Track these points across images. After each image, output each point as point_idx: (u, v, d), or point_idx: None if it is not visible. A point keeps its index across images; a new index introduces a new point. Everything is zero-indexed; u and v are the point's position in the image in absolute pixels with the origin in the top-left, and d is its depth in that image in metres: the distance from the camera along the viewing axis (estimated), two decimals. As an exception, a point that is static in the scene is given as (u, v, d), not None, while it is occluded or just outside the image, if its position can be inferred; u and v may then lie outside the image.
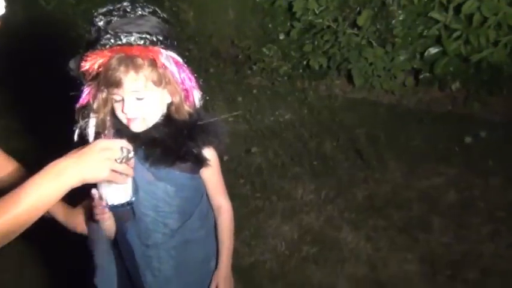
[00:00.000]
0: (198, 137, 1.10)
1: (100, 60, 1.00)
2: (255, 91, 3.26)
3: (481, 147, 2.54)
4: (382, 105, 3.03)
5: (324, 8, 2.99)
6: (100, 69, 1.01)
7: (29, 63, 3.26)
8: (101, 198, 1.02)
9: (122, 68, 1.00)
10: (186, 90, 1.09)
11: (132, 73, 1.01)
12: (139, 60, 1.01)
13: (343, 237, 2.16)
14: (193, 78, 1.10)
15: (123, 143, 0.94)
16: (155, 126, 1.08)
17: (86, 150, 0.89)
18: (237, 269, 1.36)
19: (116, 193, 1.00)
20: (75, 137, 1.07)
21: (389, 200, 2.33)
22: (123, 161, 0.92)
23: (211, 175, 1.18)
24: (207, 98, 1.17)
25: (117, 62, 1.00)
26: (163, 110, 1.09)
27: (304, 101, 3.11)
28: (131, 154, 0.94)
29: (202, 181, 1.18)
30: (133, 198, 1.02)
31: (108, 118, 1.08)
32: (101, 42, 0.98)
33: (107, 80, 1.02)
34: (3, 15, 0.79)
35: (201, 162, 1.13)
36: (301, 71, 3.29)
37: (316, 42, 3.10)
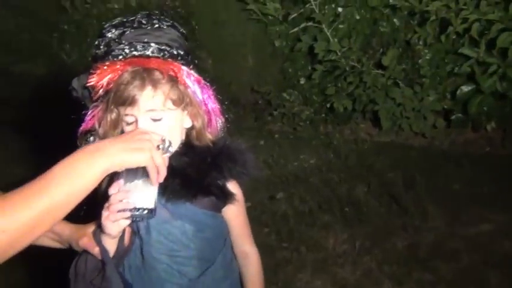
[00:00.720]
0: (224, 166, 0.94)
1: (110, 75, 0.85)
2: (276, 136, 3.12)
3: (531, 189, 2.29)
4: (413, 147, 2.85)
5: (347, 49, 2.90)
6: (110, 85, 0.86)
7: (50, 113, 3.22)
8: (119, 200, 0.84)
9: (137, 83, 0.85)
10: (208, 113, 0.94)
11: (149, 89, 0.86)
12: (158, 74, 0.87)
13: (385, 294, 1.89)
14: (216, 101, 0.96)
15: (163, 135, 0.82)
16: (173, 155, 0.91)
17: (124, 134, 0.79)
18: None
19: (141, 195, 0.82)
20: None
21: (434, 251, 2.07)
22: (163, 151, 0.79)
23: (237, 214, 1.01)
24: (229, 125, 1.00)
25: (131, 75, 0.86)
26: (182, 135, 0.94)
27: (329, 145, 2.95)
28: (171, 148, 0.82)
29: (225, 222, 1.00)
30: (155, 211, 0.83)
31: None
32: (113, 53, 0.84)
33: (118, 97, 0.86)
34: None
35: (226, 196, 0.96)
36: (323, 115, 3.17)
37: (339, 84, 2.98)
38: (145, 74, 0.86)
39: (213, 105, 0.94)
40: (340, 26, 2.91)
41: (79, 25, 3.77)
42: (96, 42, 0.89)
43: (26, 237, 0.66)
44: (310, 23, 2.94)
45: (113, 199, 0.83)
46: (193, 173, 0.92)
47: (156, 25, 0.88)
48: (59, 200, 0.68)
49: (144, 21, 0.88)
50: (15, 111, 3.47)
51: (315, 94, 3.17)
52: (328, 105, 3.07)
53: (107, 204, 0.84)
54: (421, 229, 2.19)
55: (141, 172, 0.83)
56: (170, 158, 0.87)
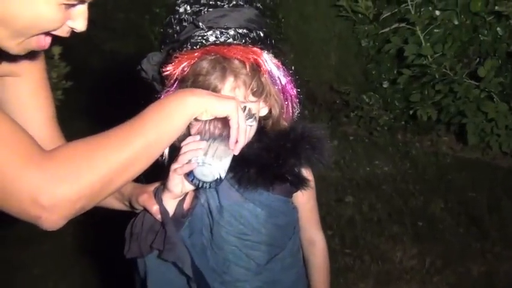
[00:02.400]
0: (303, 153, 0.91)
1: (186, 62, 0.83)
2: (351, 138, 3.05)
3: None
4: (500, 168, 2.65)
5: (440, 55, 2.74)
6: (185, 72, 0.84)
7: (134, 92, 3.41)
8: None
9: (218, 73, 0.83)
10: (286, 99, 0.91)
11: (230, 80, 0.84)
12: (238, 63, 0.84)
13: (452, 319, 1.78)
14: (295, 86, 0.92)
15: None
16: (248, 143, 0.89)
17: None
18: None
19: (216, 155, 0.80)
20: None
21: (513, 282, 1.91)
22: (246, 117, 0.79)
23: (308, 200, 1.00)
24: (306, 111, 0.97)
25: (211, 64, 0.83)
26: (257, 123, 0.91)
27: (406, 154, 2.84)
28: (254, 122, 0.84)
29: (296, 208, 0.99)
30: (221, 181, 0.82)
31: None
32: (192, 41, 0.81)
33: (197, 87, 0.82)
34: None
35: (300, 182, 0.93)
36: (403, 122, 3.05)
37: (426, 92, 2.83)
38: (225, 64, 0.83)
39: (291, 91, 0.92)
40: (436, 30, 2.76)
41: (170, 9, 3.94)
42: (168, 20, 0.87)
43: (122, 176, 0.68)
44: (402, 25, 2.82)
45: (185, 147, 0.82)
46: (270, 159, 0.90)
47: (234, 2, 0.84)
48: (154, 139, 0.69)
49: None
50: (99, 81, 3.73)
51: (397, 99, 3.06)
52: (410, 112, 2.93)
53: (176, 159, 0.83)
54: (502, 257, 2.04)
55: (219, 138, 0.81)
56: (243, 148, 0.84)
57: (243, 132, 0.79)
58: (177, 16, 0.85)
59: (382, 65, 3.11)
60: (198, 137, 0.83)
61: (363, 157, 2.88)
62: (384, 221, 2.32)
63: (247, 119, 0.81)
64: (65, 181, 0.61)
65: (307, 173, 0.96)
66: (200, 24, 0.82)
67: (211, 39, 0.80)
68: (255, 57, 0.84)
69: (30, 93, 0.88)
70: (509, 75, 2.64)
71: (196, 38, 0.81)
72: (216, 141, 0.81)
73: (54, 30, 0.68)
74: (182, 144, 0.82)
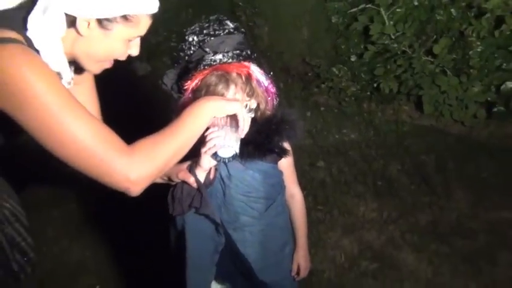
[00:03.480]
0: (283, 131, 1.27)
1: (199, 77, 1.19)
2: (322, 109, 3.41)
3: (555, 186, 2.53)
4: (450, 134, 3.09)
5: (401, 34, 3.12)
6: (198, 84, 1.19)
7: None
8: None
9: (223, 84, 1.19)
10: (269, 96, 1.28)
11: (232, 87, 1.19)
12: (236, 76, 1.19)
13: (403, 258, 2.24)
14: (274, 86, 1.29)
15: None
16: None
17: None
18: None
19: (230, 138, 1.15)
20: None
21: (453, 228, 2.38)
22: (247, 111, 1.16)
23: (289, 165, 1.37)
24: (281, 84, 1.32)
25: (218, 78, 1.18)
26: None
27: (371, 122, 3.23)
28: (252, 113, 1.18)
29: (280, 171, 1.36)
30: (237, 155, 1.17)
31: None
32: (205, 63, 1.17)
33: (209, 95, 1.18)
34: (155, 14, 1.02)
35: (284, 153, 1.30)
36: (369, 93, 3.42)
37: (388, 66, 3.21)
38: (228, 77, 1.19)
39: (272, 89, 1.28)
40: (398, 10, 3.12)
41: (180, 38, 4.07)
42: (180, 46, 1.22)
43: (175, 158, 1.03)
44: (369, 5, 3.16)
45: (209, 136, 1.16)
46: (263, 139, 1.25)
47: (226, 30, 1.19)
48: (192, 133, 1.04)
49: (217, 28, 1.20)
50: None
51: (363, 72, 3.41)
52: (374, 85, 3.32)
53: (203, 145, 1.16)
54: (445, 208, 2.49)
55: (230, 127, 1.17)
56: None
57: (247, 122, 1.16)
58: (187, 44, 1.21)
59: (351, 41, 3.45)
60: (216, 128, 1.18)
61: (333, 126, 3.26)
62: (350, 182, 2.73)
63: (248, 113, 1.18)
64: (144, 165, 0.96)
65: (287, 145, 1.32)
66: (207, 49, 1.18)
67: (218, 60, 1.17)
68: (247, 69, 1.20)
69: (86, 98, 1.21)
70: (460, 52, 3.05)
71: (207, 60, 1.17)
72: (228, 129, 1.17)
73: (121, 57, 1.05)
74: (206, 133, 1.16)
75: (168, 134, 1.02)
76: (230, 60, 1.16)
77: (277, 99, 1.31)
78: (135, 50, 1.07)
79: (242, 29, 1.23)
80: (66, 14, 0.95)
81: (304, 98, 3.58)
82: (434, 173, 2.71)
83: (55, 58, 0.96)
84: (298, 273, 1.50)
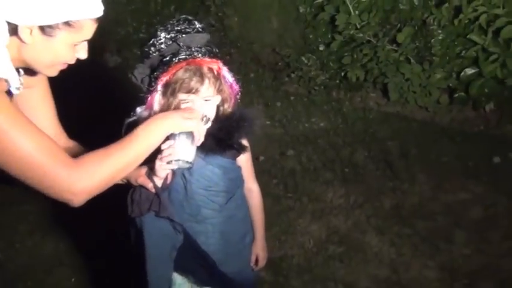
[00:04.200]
0: (242, 128, 1.34)
1: (174, 71, 1.25)
2: (292, 98, 3.51)
3: (509, 167, 2.71)
4: (415, 120, 3.23)
5: (366, 23, 3.22)
6: (171, 78, 1.25)
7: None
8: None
9: (198, 78, 1.25)
10: (232, 93, 1.36)
11: (206, 82, 1.26)
12: (208, 71, 1.27)
13: (368, 241, 2.37)
14: (237, 84, 1.36)
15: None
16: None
17: (181, 109, 1.25)
18: (267, 260, 1.61)
19: (185, 150, 1.23)
20: (123, 130, 1.29)
21: (415, 211, 2.53)
22: (204, 123, 1.24)
23: (247, 161, 1.44)
24: (245, 101, 1.40)
25: (192, 73, 1.24)
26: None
27: (339, 111, 3.35)
28: (209, 123, 1.25)
29: (239, 167, 1.44)
30: (192, 163, 1.25)
31: None
32: (180, 56, 1.24)
33: (183, 88, 1.25)
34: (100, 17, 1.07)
35: (243, 149, 1.38)
36: (337, 81, 3.53)
37: (355, 55, 3.32)
38: (201, 71, 1.25)
39: (235, 87, 1.36)
40: (362, 0, 3.22)
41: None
42: (151, 42, 1.27)
43: (121, 174, 1.11)
44: (334, -5, 3.24)
45: (164, 152, 1.22)
46: (224, 135, 1.32)
47: (195, 29, 1.26)
48: (142, 150, 1.12)
49: (187, 26, 1.26)
50: None
51: (331, 61, 3.51)
52: (342, 74, 3.43)
53: (159, 156, 1.23)
54: (408, 192, 2.63)
55: (185, 135, 1.23)
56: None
57: (203, 133, 1.24)
58: (159, 39, 1.27)
59: (318, 30, 3.54)
60: (172, 141, 1.23)
61: (303, 114, 3.36)
62: (319, 169, 2.85)
63: (205, 124, 1.25)
64: (87, 178, 1.04)
65: (245, 142, 1.39)
66: (181, 44, 1.25)
67: (192, 55, 1.24)
68: (217, 65, 1.28)
69: (40, 100, 1.25)
70: (423, 40, 3.17)
71: (182, 54, 1.24)
72: (184, 138, 1.23)
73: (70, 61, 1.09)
74: (162, 147, 1.21)
75: (118, 149, 1.09)
76: (202, 55, 1.24)
77: (239, 98, 1.39)
78: (82, 54, 1.08)
79: (208, 30, 1.30)
80: (7, 22, 0.96)
81: (274, 87, 3.68)
82: (399, 158, 2.85)
83: (1, 66, 0.99)
84: (256, 263, 1.59)
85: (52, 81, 1.25)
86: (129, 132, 1.17)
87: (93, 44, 1.10)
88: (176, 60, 1.24)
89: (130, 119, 1.31)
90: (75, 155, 1.09)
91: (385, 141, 3.01)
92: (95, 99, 3.12)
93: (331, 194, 2.67)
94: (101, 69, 3.67)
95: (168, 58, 1.25)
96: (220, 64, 1.30)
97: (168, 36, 1.25)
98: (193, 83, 1.25)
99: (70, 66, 1.12)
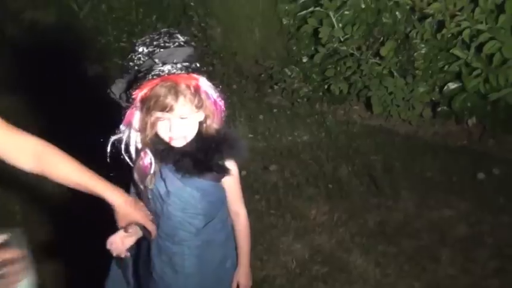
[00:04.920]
0: (224, 151, 1.29)
1: (147, 88, 1.20)
2: (275, 110, 3.43)
3: (494, 183, 2.67)
4: (398, 134, 3.18)
5: (349, 36, 3.17)
6: (146, 94, 1.20)
7: (57, 65, 3.48)
8: None
9: (172, 96, 1.19)
10: (216, 109, 1.29)
11: (181, 99, 1.20)
12: (185, 88, 1.20)
13: (352, 260, 2.29)
14: (222, 100, 1.30)
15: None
16: (189, 142, 1.26)
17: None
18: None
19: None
20: (108, 148, 1.28)
21: (400, 228, 2.46)
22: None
23: (232, 184, 1.36)
24: (227, 115, 1.34)
25: (167, 90, 1.18)
26: (197, 127, 1.27)
27: (322, 124, 3.28)
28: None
29: (224, 189, 1.37)
30: None
31: (150, 137, 1.26)
32: (154, 73, 1.18)
33: (158, 105, 1.19)
34: None
35: (224, 172, 1.31)
36: (321, 94, 3.46)
37: (338, 68, 3.27)
38: (177, 88, 1.19)
39: (220, 103, 1.29)
40: (346, 13, 3.17)
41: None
42: (129, 56, 1.22)
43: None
44: (318, 8, 3.19)
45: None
46: (201, 156, 1.26)
47: (177, 43, 1.21)
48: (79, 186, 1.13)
49: (167, 40, 1.20)
50: (19, 52, 3.72)
51: (315, 73, 3.45)
52: (326, 86, 3.36)
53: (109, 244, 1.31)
54: (392, 209, 2.56)
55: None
56: (186, 144, 1.25)
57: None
58: (136, 54, 1.20)
59: (301, 42, 3.48)
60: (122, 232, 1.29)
61: (286, 127, 3.27)
62: (302, 184, 2.76)
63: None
64: None
65: (231, 164, 1.31)
66: (157, 60, 1.18)
67: (166, 71, 1.18)
68: (196, 82, 1.21)
69: None
70: (406, 53, 3.13)
71: (156, 70, 1.18)
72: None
73: None
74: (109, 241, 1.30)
75: (74, 167, 1.16)
76: (178, 71, 1.18)
77: (224, 116, 1.32)
78: None
79: (192, 43, 1.25)
80: None
81: (257, 99, 3.59)
82: (382, 173, 2.78)
83: None
84: None
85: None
86: (113, 150, 1.24)
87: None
88: (150, 77, 1.18)
89: (115, 137, 1.28)
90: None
91: (369, 156, 2.95)
92: (74, 109, 3.01)
93: (315, 210, 2.59)
94: (81, 78, 3.54)
95: (142, 74, 1.20)
96: (201, 80, 1.22)
97: (146, 51, 1.19)
98: (168, 100, 1.18)
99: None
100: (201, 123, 1.27)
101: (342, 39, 3.20)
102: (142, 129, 1.25)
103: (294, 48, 3.52)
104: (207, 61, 3.80)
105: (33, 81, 3.38)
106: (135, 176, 1.31)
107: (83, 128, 2.42)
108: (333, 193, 2.69)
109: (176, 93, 1.18)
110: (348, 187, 2.72)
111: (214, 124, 1.28)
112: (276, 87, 3.58)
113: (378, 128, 3.23)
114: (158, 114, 1.21)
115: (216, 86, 1.28)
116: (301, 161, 2.95)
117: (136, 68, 1.21)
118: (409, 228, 2.45)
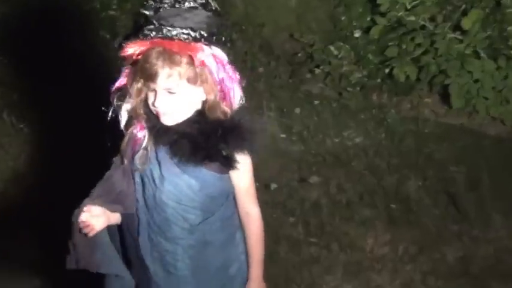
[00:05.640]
0: (231, 142, 1.36)
1: (140, 49, 1.31)
2: (316, 102, 3.41)
3: None
4: (487, 137, 3.14)
5: (419, 3, 3.14)
6: (139, 57, 1.32)
7: (38, 31, 3.59)
8: None
9: (159, 63, 1.30)
10: (223, 90, 1.36)
11: (166, 69, 1.30)
12: (177, 57, 1.30)
13: (425, 310, 2.25)
14: (236, 78, 1.37)
15: None
16: (187, 121, 1.36)
17: None
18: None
19: None
20: (108, 118, 1.41)
21: (490, 267, 2.41)
22: None
23: (240, 179, 1.45)
24: (243, 101, 1.39)
25: (156, 55, 1.30)
26: (197, 106, 1.37)
27: (381, 121, 3.25)
28: None
29: (230, 183, 1.46)
30: None
31: (141, 107, 1.38)
32: (143, 33, 1.30)
33: (143, 72, 1.32)
34: None
35: (230, 164, 1.39)
36: (379, 81, 3.44)
37: (404, 46, 3.23)
38: (166, 56, 1.29)
39: (229, 83, 1.35)
40: (415, -28, 3.14)
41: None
42: (141, 12, 1.35)
43: None
44: (376, -37, 3.16)
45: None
46: (202, 141, 1.35)
47: (191, 4, 1.31)
48: None
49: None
50: None
51: (371, 53, 3.43)
52: (386, 71, 3.34)
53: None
54: (480, 240, 2.51)
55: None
56: (184, 124, 1.35)
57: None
58: (146, 10, 1.33)
59: (353, 10, 3.47)
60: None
61: (331, 126, 3.26)
62: (354, 203, 2.73)
63: None
64: None
65: (241, 156, 1.39)
66: (154, 21, 1.30)
67: (157, 33, 1.29)
68: (190, 52, 1.29)
69: None
70: (497, 27, 3.09)
71: (146, 31, 1.30)
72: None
73: None
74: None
75: None
76: (175, 37, 1.28)
77: (242, 100, 1.40)
78: None
79: (213, 6, 1.33)
80: None
81: (292, 87, 3.58)
82: (466, 191, 2.75)
83: None
84: None
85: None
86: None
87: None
88: (140, 38, 1.31)
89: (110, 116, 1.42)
90: None
91: (446, 166, 2.92)
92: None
93: (372, 239, 2.56)
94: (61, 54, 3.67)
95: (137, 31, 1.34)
96: (205, 51, 1.29)
97: (153, 7, 1.32)
98: (153, 69, 1.30)
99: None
100: (204, 103, 1.36)
101: (408, 7, 3.17)
102: (131, 96, 1.37)
103: (343, 18, 3.52)
104: (224, 35, 3.83)
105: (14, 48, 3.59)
106: (123, 145, 1.43)
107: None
108: (397, 216, 2.66)
109: (164, 62, 1.29)
110: (417, 208, 2.68)
111: (220, 105, 1.36)
112: (317, 71, 3.56)
113: (458, 128, 3.20)
114: (141, 82, 1.34)
115: (232, 63, 1.35)
116: (353, 171, 2.93)
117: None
118: (503, 268, 2.41)
